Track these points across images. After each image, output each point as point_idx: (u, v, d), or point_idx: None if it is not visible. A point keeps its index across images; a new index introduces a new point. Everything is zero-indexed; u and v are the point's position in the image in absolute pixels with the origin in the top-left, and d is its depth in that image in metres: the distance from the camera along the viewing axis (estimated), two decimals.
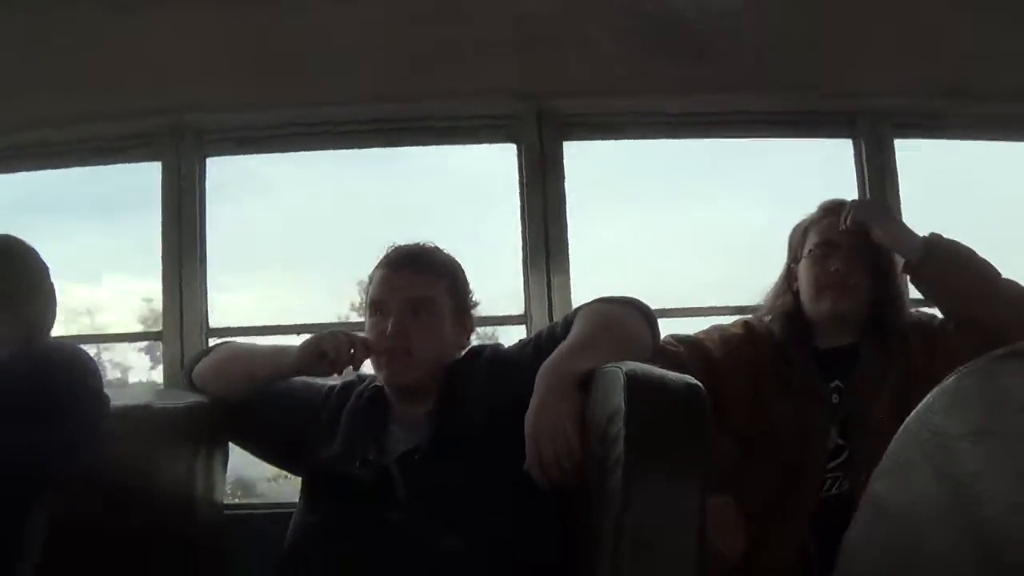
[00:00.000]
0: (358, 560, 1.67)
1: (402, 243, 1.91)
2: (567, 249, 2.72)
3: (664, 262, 2.91)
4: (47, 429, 1.54)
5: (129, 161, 2.82)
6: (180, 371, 2.40)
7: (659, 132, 2.87)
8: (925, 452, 0.96)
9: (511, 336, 2.75)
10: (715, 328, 2.20)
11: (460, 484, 1.68)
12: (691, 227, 2.94)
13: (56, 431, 1.55)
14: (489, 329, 2.78)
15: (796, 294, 2.13)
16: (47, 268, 1.84)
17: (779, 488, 1.99)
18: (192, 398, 2.03)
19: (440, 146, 2.86)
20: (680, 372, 1.53)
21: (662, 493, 1.39)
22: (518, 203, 2.76)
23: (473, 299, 1.94)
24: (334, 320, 2.78)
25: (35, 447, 1.53)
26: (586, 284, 2.69)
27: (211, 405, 2.00)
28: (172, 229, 2.71)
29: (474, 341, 1.98)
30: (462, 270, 1.93)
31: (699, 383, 1.45)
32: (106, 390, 1.76)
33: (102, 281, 3.00)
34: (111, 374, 2.94)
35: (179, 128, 2.74)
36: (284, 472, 2.41)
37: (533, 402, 1.61)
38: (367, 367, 1.90)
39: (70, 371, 1.63)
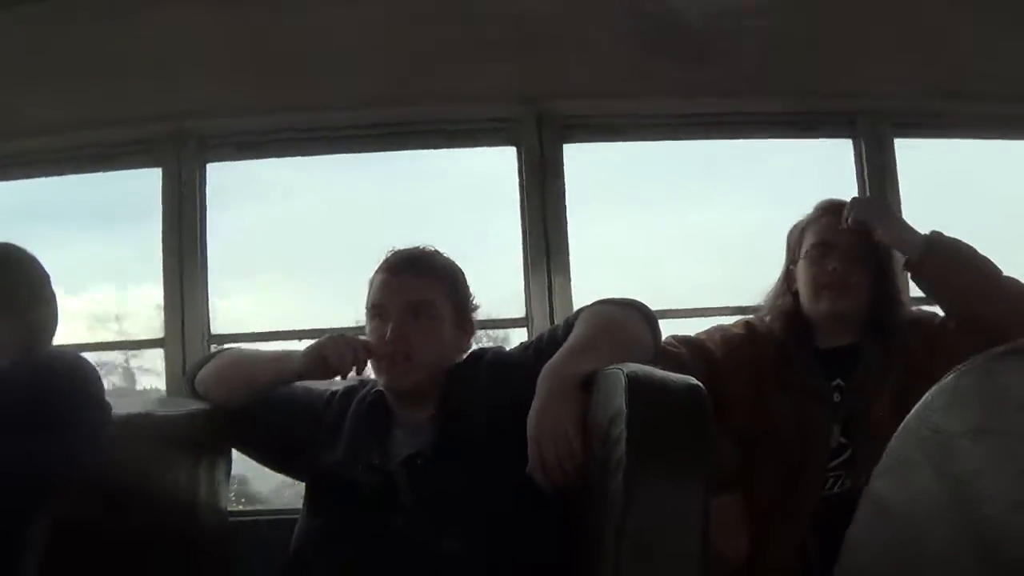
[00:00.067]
0: (362, 565, 1.68)
1: (401, 247, 1.91)
2: (567, 251, 2.72)
3: (665, 263, 2.92)
4: (48, 437, 1.54)
5: (129, 167, 2.83)
6: (182, 378, 2.40)
7: (659, 134, 2.87)
8: (925, 450, 0.96)
9: (514, 339, 2.77)
10: (716, 328, 2.20)
11: (463, 488, 1.68)
12: (691, 228, 2.94)
13: (57, 439, 1.55)
14: (501, 332, 2.79)
15: (795, 295, 2.13)
16: (48, 276, 1.84)
17: (781, 487, 1.99)
18: (194, 405, 2.02)
19: (440, 150, 2.86)
20: (682, 373, 1.53)
21: (664, 495, 1.39)
22: (518, 206, 2.76)
23: (474, 302, 1.94)
24: (338, 324, 2.77)
25: (36, 455, 1.53)
26: (587, 286, 2.70)
27: (213, 412, 1.99)
28: (173, 235, 2.71)
29: (485, 344, 1.97)
30: (462, 273, 1.92)
31: (700, 384, 1.45)
32: (107, 398, 1.76)
33: (103, 288, 3.00)
34: (143, 381, 2.95)
35: (180, 134, 2.74)
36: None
37: (535, 405, 1.61)
38: (369, 371, 1.90)
39: (71, 379, 1.63)
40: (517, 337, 2.74)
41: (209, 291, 2.73)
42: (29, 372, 1.61)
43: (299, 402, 1.98)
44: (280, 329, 2.80)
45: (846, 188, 2.44)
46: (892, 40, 2.66)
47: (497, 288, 2.74)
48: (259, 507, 2.88)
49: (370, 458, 1.79)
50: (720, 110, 2.82)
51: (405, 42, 2.65)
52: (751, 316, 2.22)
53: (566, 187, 2.75)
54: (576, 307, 1.88)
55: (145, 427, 1.94)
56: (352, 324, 2.43)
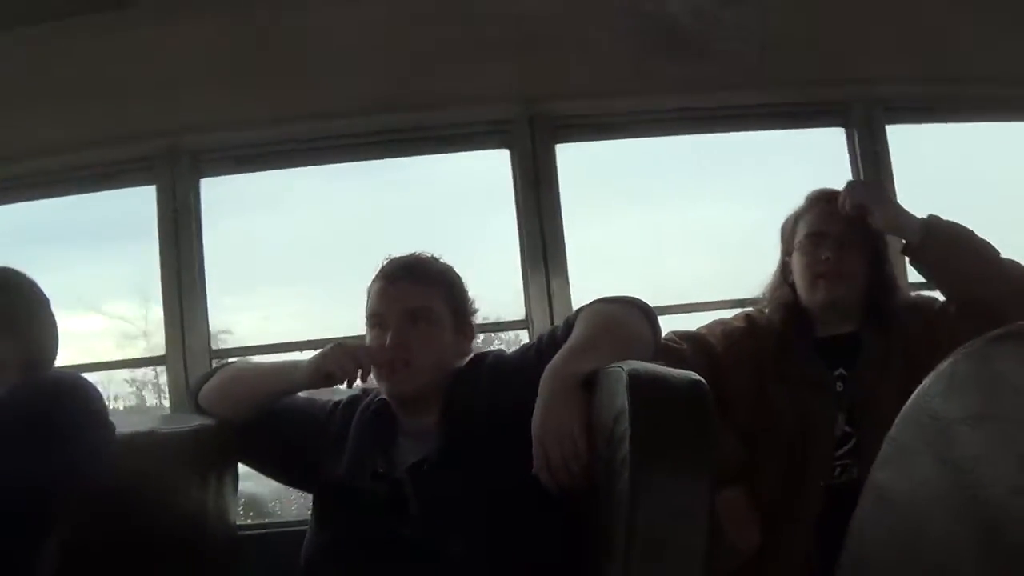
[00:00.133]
0: (372, 575, 1.68)
1: (398, 254, 1.91)
2: (565, 252, 2.72)
3: (663, 259, 2.91)
4: (52, 457, 1.54)
5: (125, 186, 2.83)
6: (185, 394, 2.41)
7: (653, 130, 2.87)
8: (924, 437, 0.96)
9: (518, 341, 2.77)
10: (717, 322, 2.20)
11: (470, 493, 1.68)
12: (688, 223, 2.94)
13: (61, 458, 1.55)
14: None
15: (792, 286, 2.13)
16: (47, 300, 1.84)
17: (787, 478, 1.99)
18: (198, 421, 2.02)
19: (434, 155, 2.86)
20: (683, 368, 1.53)
21: (669, 491, 1.39)
22: (514, 208, 2.76)
23: (473, 306, 1.94)
24: (339, 333, 2.77)
25: (40, 474, 1.53)
26: (586, 285, 2.69)
27: (218, 427, 1.99)
28: (170, 252, 2.71)
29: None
30: (459, 278, 1.93)
31: (701, 379, 1.45)
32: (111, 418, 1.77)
33: (102, 308, 3.01)
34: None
35: (175, 150, 2.74)
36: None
37: (538, 406, 1.61)
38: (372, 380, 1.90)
39: (73, 399, 1.64)
40: (520, 339, 2.74)
41: (209, 306, 2.74)
42: (31, 393, 1.62)
43: (304, 413, 1.99)
44: (281, 341, 2.80)
45: (840, 177, 2.44)
46: (885, 27, 2.67)
47: (497, 291, 2.74)
48: (267, 520, 2.88)
49: (375, 466, 1.79)
50: (716, 104, 2.82)
51: (404, 43, 2.65)
52: (751, 309, 2.22)
53: (561, 187, 2.75)
54: (576, 307, 1.88)
55: (150, 445, 1.94)
56: (353, 332, 2.43)
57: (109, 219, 2.93)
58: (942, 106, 2.83)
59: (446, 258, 1.94)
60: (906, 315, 2.08)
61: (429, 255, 1.92)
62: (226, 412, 2.00)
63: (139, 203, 2.79)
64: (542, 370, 1.65)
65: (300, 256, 2.91)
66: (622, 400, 1.44)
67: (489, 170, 2.85)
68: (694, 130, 2.88)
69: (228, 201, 2.86)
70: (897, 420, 1.01)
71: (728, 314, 2.26)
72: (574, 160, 2.81)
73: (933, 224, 2.03)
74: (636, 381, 1.45)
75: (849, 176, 2.76)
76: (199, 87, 2.65)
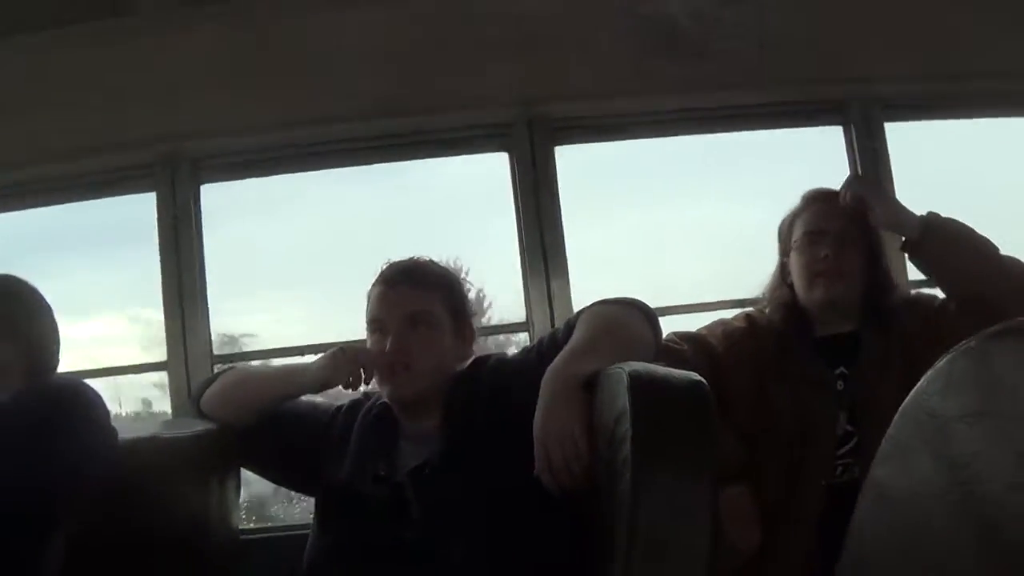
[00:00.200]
0: None
1: (397, 259, 1.92)
2: (565, 253, 2.72)
3: (663, 260, 2.92)
4: (54, 460, 1.55)
5: (125, 193, 2.83)
6: (187, 400, 2.41)
7: (653, 130, 2.86)
8: (922, 435, 0.96)
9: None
10: (718, 323, 2.20)
11: (471, 495, 1.68)
12: (688, 223, 2.94)
13: (63, 462, 1.56)
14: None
15: (791, 286, 2.13)
16: (49, 307, 1.85)
17: (788, 477, 1.99)
18: (200, 426, 2.03)
19: (433, 159, 2.87)
20: (684, 369, 1.53)
21: (671, 491, 1.39)
22: (513, 211, 2.76)
23: (475, 307, 1.94)
24: (340, 338, 2.77)
25: (43, 478, 1.54)
26: (586, 287, 2.70)
27: (220, 432, 1.99)
28: (171, 258, 2.71)
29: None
30: (458, 281, 1.93)
31: (702, 379, 1.45)
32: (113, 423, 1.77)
33: (102, 314, 3.01)
34: None
35: (175, 156, 2.75)
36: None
37: (539, 408, 1.62)
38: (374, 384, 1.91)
39: (75, 404, 1.64)
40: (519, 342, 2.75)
41: (210, 311, 2.74)
42: (34, 398, 1.63)
43: (306, 417, 1.99)
44: (283, 346, 2.81)
45: (840, 176, 2.43)
46: (883, 25, 2.67)
47: (497, 294, 2.75)
48: (269, 523, 2.89)
49: (377, 470, 1.79)
50: (715, 104, 2.82)
51: (403, 48, 2.66)
52: (752, 309, 2.23)
53: (561, 189, 2.75)
54: (576, 308, 1.88)
55: (152, 450, 1.94)
56: (354, 337, 2.44)
57: (109, 226, 2.93)
58: (941, 104, 2.83)
59: (446, 261, 1.94)
60: (906, 313, 2.08)
61: (428, 259, 1.92)
62: (229, 416, 2.00)
63: (139, 209, 2.80)
64: (543, 372, 1.65)
65: (300, 261, 2.92)
66: (623, 401, 1.44)
67: (489, 173, 2.85)
68: (693, 130, 2.88)
69: (228, 207, 2.87)
70: (896, 418, 1.02)
71: (729, 314, 2.26)
72: (574, 162, 2.81)
73: (932, 221, 2.04)
74: (637, 382, 1.45)
75: (847, 174, 2.75)
76: (199, 93, 2.65)
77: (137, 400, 3.00)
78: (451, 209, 2.93)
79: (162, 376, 2.73)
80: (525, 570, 1.62)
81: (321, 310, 2.95)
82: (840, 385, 2.04)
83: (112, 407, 2.77)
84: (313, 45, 2.66)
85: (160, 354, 2.73)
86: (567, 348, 1.70)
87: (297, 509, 2.84)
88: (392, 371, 1.80)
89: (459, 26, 2.66)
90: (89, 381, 1.79)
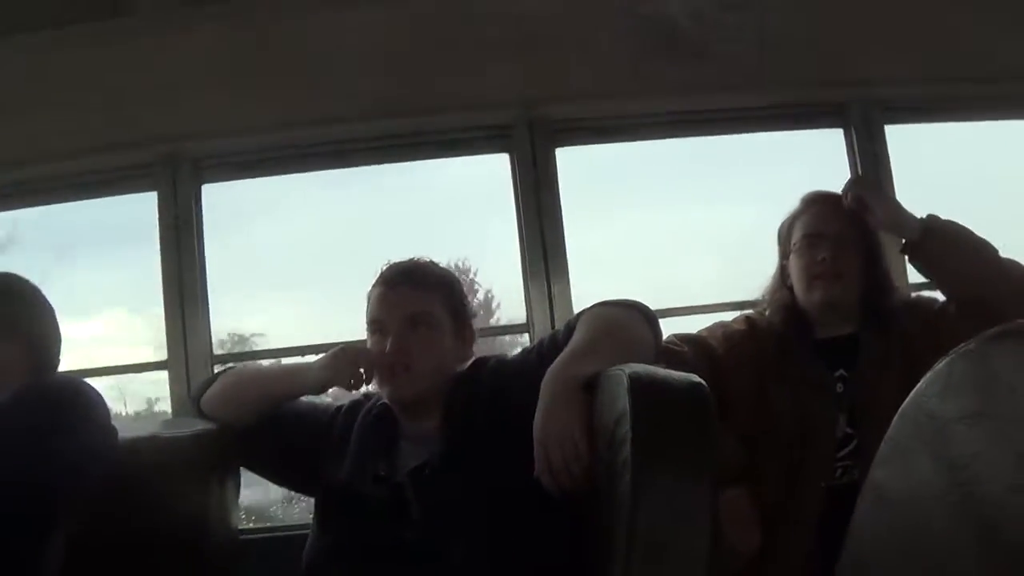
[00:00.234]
0: None
1: (397, 260, 1.92)
2: (565, 255, 2.72)
3: (664, 262, 2.92)
4: (54, 459, 1.55)
5: (125, 192, 2.83)
6: (187, 399, 2.41)
7: (653, 132, 2.86)
8: (922, 437, 0.96)
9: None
10: (718, 325, 2.20)
11: (471, 496, 1.68)
12: (689, 225, 2.95)
13: (63, 461, 1.57)
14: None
15: (791, 289, 2.14)
16: (50, 305, 1.86)
17: (788, 479, 1.99)
18: (200, 426, 2.03)
19: (434, 160, 2.87)
20: (684, 371, 1.53)
21: (671, 493, 1.39)
22: (514, 212, 2.76)
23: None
24: (340, 338, 2.77)
25: (43, 477, 1.54)
26: (587, 288, 2.70)
27: (219, 432, 1.99)
28: (171, 258, 2.71)
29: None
30: (458, 282, 1.93)
31: (702, 381, 1.45)
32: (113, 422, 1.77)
33: (103, 314, 3.02)
34: None
35: (176, 156, 2.75)
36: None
37: (539, 409, 1.61)
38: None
39: (75, 403, 1.65)
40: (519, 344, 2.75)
41: (211, 311, 2.74)
42: (35, 396, 1.63)
43: (306, 417, 1.98)
44: (283, 346, 2.81)
45: (840, 178, 2.44)
46: (883, 27, 2.67)
47: (497, 295, 2.75)
48: (268, 524, 2.89)
49: (377, 470, 1.79)
50: (715, 106, 2.82)
51: (403, 49, 2.66)
52: (752, 311, 2.23)
53: (561, 191, 2.75)
54: (577, 310, 1.88)
55: (152, 449, 1.94)
56: (355, 338, 2.44)
57: (110, 225, 2.94)
58: (941, 106, 2.83)
59: (447, 263, 1.94)
60: (905, 315, 2.08)
61: (428, 259, 1.92)
62: (229, 416, 2.00)
63: (140, 209, 2.80)
64: (543, 373, 1.65)
65: (301, 261, 2.92)
66: (623, 403, 1.44)
67: (489, 174, 2.85)
68: (694, 132, 2.88)
69: (229, 207, 2.87)
70: (895, 419, 1.02)
71: (729, 316, 2.27)
72: (574, 163, 2.81)
73: (932, 223, 2.04)
74: (637, 384, 1.45)
75: (847, 176, 2.76)
76: (199, 93, 2.66)
77: (142, 399, 3.01)
78: (452, 210, 2.93)
79: (165, 375, 2.73)
80: (525, 571, 1.62)
81: (321, 311, 2.96)
82: (840, 387, 2.04)
83: (117, 406, 2.80)
84: (314, 46, 2.66)
85: (160, 354, 2.74)
86: (567, 350, 1.70)
87: (296, 510, 2.85)
88: (392, 372, 1.80)
89: (460, 27, 2.67)
90: (93, 380, 1.79)
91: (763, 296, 2.21)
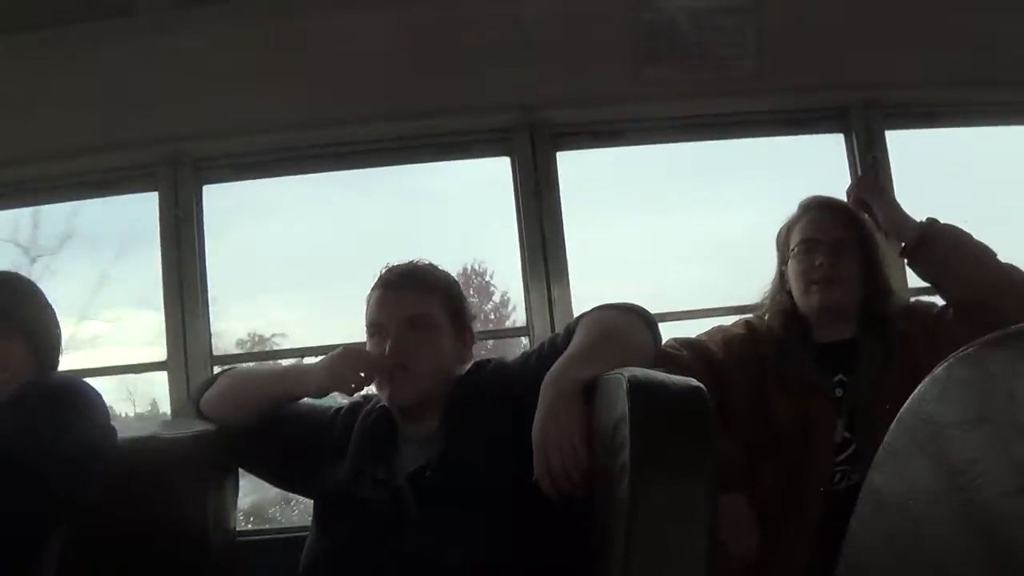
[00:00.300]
0: None
1: (396, 262, 1.92)
2: (565, 258, 2.73)
3: (663, 266, 2.92)
4: (53, 457, 1.56)
5: (127, 193, 2.84)
6: (186, 400, 2.41)
7: (653, 137, 2.87)
8: (920, 442, 0.96)
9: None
10: (717, 329, 2.20)
11: (470, 500, 1.68)
12: (689, 230, 2.96)
13: (62, 459, 1.57)
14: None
15: (790, 294, 2.14)
16: (51, 305, 1.87)
17: (787, 484, 1.99)
18: (199, 427, 2.03)
19: (435, 163, 2.87)
20: (683, 375, 1.53)
21: (669, 497, 1.39)
22: (515, 216, 2.76)
23: (473, 311, 1.94)
24: (340, 340, 2.77)
25: (44, 476, 1.55)
26: (586, 292, 2.70)
27: (219, 432, 1.99)
28: (172, 258, 2.72)
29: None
30: (457, 285, 1.93)
31: (701, 385, 1.45)
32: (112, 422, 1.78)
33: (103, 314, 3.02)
34: None
35: (177, 157, 2.75)
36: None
37: (538, 413, 1.61)
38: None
39: (75, 402, 1.66)
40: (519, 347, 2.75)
41: (211, 312, 2.74)
42: (36, 394, 1.64)
43: (305, 420, 1.98)
44: (283, 348, 2.81)
45: (841, 183, 2.45)
46: (883, 32, 2.68)
47: (497, 298, 2.75)
48: (267, 526, 2.89)
49: (376, 473, 1.79)
50: (715, 111, 2.82)
51: (405, 51, 2.67)
52: (751, 315, 2.23)
53: (562, 195, 2.76)
54: (576, 313, 1.88)
55: (151, 450, 1.94)
56: (354, 340, 2.44)
57: (111, 225, 2.94)
58: (942, 111, 2.83)
59: (447, 266, 1.94)
60: (904, 320, 2.09)
61: (427, 262, 1.92)
62: (229, 417, 1.99)
63: (141, 209, 2.81)
64: (542, 377, 1.65)
65: (301, 263, 2.92)
66: (622, 407, 1.44)
67: (490, 177, 2.86)
68: (694, 137, 2.88)
69: (230, 208, 2.88)
70: (893, 424, 1.02)
71: (728, 321, 2.27)
72: (575, 167, 2.82)
73: (932, 227, 2.05)
74: (636, 388, 1.45)
75: (848, 181, 2.76)
76: (201, 94, 2.66)
77: (148, 399, 3.02)
78: (452, 213, 2.93)
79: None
80: (523, 574, 1.62)
81: (321, 312, 2.96)
82: (838, 392, 2.04)
83: (126, 407, 2.80)
84: (315, 48, 2.67)
85: (161, 354, 2.74)
86: (567, 353, 1.69)
87: (295, 512, 2.85)
88: (391, 375, 1.80)
89: (461, 31, 2.68)
90: (97, 380, 1.80)
91: (762, 301, 2.21)
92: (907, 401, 0.99)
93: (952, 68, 2.71)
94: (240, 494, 2.19)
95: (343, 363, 1.83)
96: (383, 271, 1.91)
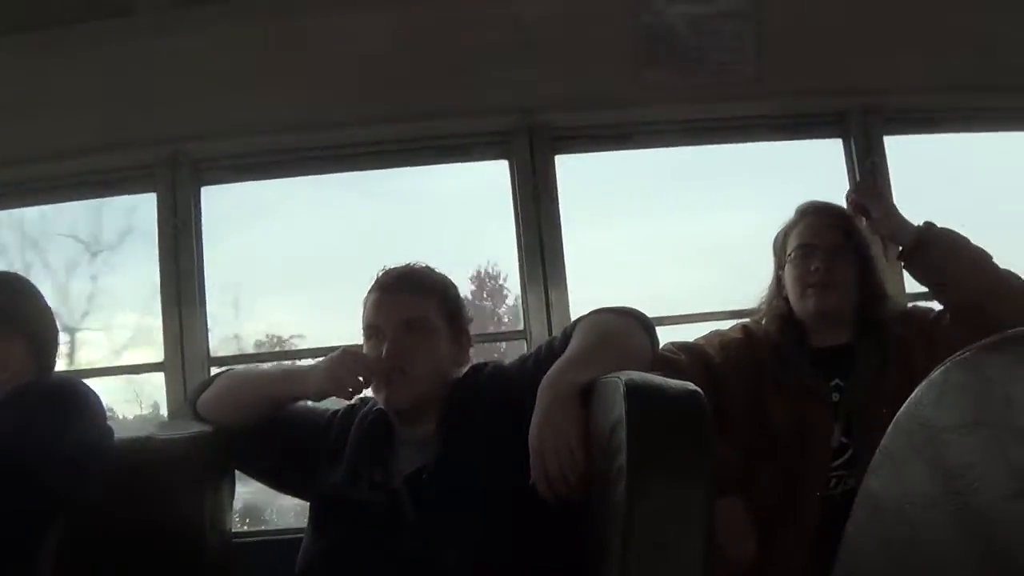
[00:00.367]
0: None
1: (393, 265, 1.92)
2: (563, 262, 2.73)
3: (661, 270, 2.92)
4: (51, 459, 1.56)
5: (125, 193, 2.84)
6: (183, 402, 2.41)
7: (652, 141, 2.87)
8: (915, 446, 0.96)
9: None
10: (715, 333, 2.20)
11: (466, 503, 1.68)
12: (687, 234, 2.95)
13: (59, 459, 1.57)
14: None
15: (787, 299, 2.14)
16: (49, 305, 1.87)
17: (785, 489, 1.99)
18: (195, 428, 2.02)
19: (434, 165, 2.87)
20: (681, 379, 1.53)
21: (666, 501, 1.39)
22: (513, 219, 2.76)
23: (469, 314, 1.94)
24: (337, 342, 2.77)
25: (40, 476, 1.55)
26: (584, 295, 2.71)
27: (215, 434, 1.99)
28: (169, 259, 2.71)
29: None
30: (454, 287, 1.93)
31: (698, 389, 1.45)
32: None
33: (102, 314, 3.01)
34: None
35: (176, 158, 2.75)
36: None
37: (536, 417, 1.61)
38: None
39: (74, 402, 1.66)
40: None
41: (208, 314, 2.74)
42: (34, 394, 1.64)
43: (302, 421, 1.98)
44: (280, 350, 2.81)
45: (839, 188, 2.45)
46: (882, 38, 2.68)
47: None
48: (263, 527, 2.89)
49: (373, 476, 1.79)
50: (714, 115, 2.82)
51: (404, 54, 2.67)
52: (748, 320, 2.23)
53: (560, 198, 2.76)
54: (574, 317, 1.88)
55: (147, 451, 1.94)
56: (351, 342, 2.44)
57: (110, 226, 2.94)
58: (941, 117, 2.84)
59: (445, 269, 1.94)
60: (901, 324, 2.09)
61: (424, 265, 1.92)
62: (226, 419, 1.99)
63: (140, 210, 2.81)
64: (540, 380, 1.65)
65: (299, 265, 2.92)
66: (619, 410, 1.44)
67: (488, 180, 2.86)
68: (693, 141, 2.89)
69: (228, 209, 2.88)
70: (890, 428, 1.02)
71: (726, 325, 2.26)
72: (573, 170, 2.82)
73: (929, 231, 2.05)
74: (633, 391, 1.45)
75: (846, 186, 2.76)
76: (200, 95, 2.66)
77: (150, 401, 3.02)
78: (451, 215, 2.93)
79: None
80: (520, 575, 1.62)
81: (320, 314, 2.96)
82: (835, 397, 2.04)
83: (133, 408, 2.80)
84: (314, 50, 2.67)
85: (158, 355, 2.74)
86: (564, 357, 1.69)
87: (291, 514, 2.84)
88: (388, 377, 1.80)
89: (460, 33, 2.68)
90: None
91: (759, 305, 2.21)
92: (904, 405, 0.99)
93: (951, 73, 2.71)
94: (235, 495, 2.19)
95: (341, 365, 1.82)
96: (380, 274, 1.90)
